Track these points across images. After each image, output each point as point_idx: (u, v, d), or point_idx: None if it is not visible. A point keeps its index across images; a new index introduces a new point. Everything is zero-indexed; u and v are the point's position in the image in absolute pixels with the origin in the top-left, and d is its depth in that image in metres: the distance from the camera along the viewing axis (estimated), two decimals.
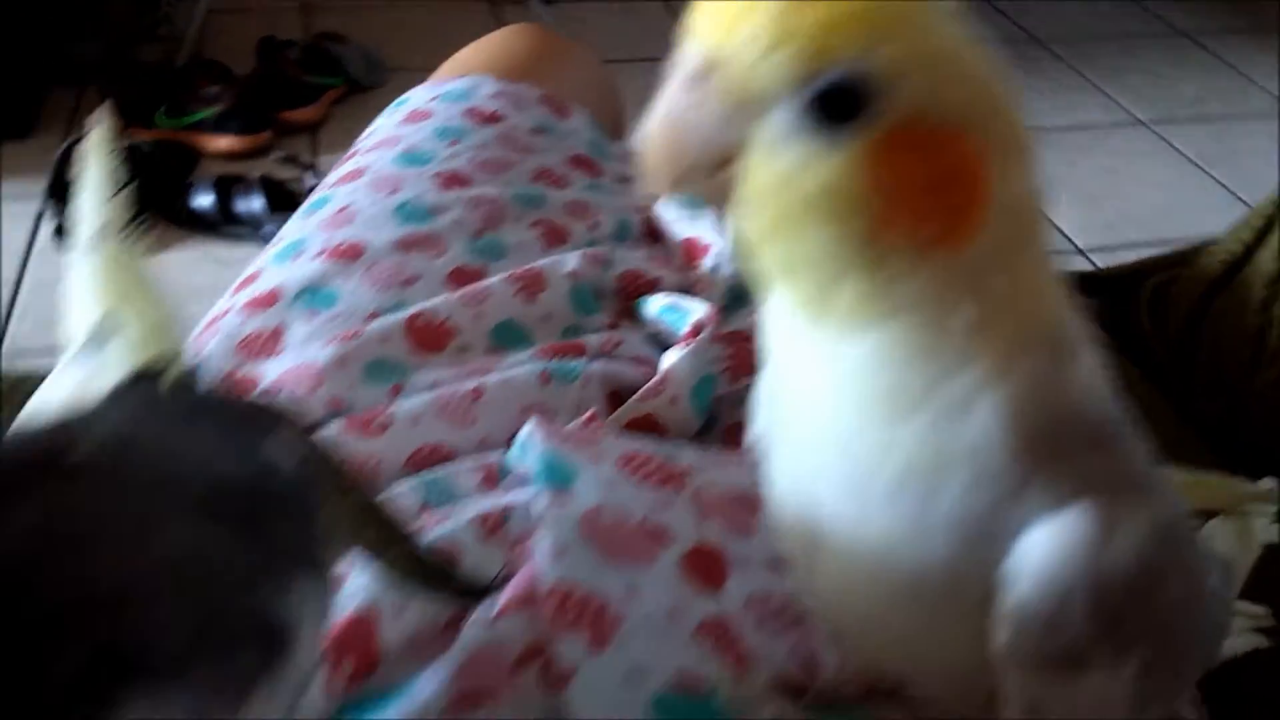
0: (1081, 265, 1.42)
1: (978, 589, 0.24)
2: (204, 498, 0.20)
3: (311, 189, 1.35)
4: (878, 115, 0.21)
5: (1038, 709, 0.25)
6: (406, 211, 0.58)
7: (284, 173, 1.42)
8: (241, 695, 0.19)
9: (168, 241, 1.36)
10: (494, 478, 0.44)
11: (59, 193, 1.37)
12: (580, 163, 0.67)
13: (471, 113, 0.66)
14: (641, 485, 0.41)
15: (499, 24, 1.98)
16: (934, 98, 0.22)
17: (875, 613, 0.26)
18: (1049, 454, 0.24)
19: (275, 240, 0.60)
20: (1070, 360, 0.25)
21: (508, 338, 0.54)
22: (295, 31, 1.80)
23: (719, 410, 0.54)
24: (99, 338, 0.28)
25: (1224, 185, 1.59)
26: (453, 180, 0.61)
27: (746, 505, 0.42)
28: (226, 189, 1.36)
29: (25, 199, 1.46)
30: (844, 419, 0.25)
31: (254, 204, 1.35)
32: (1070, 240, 1.47)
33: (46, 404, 0.27)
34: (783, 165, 0.22)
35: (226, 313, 0.53)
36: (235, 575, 0.20)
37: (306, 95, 1.58)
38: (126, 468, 0.20)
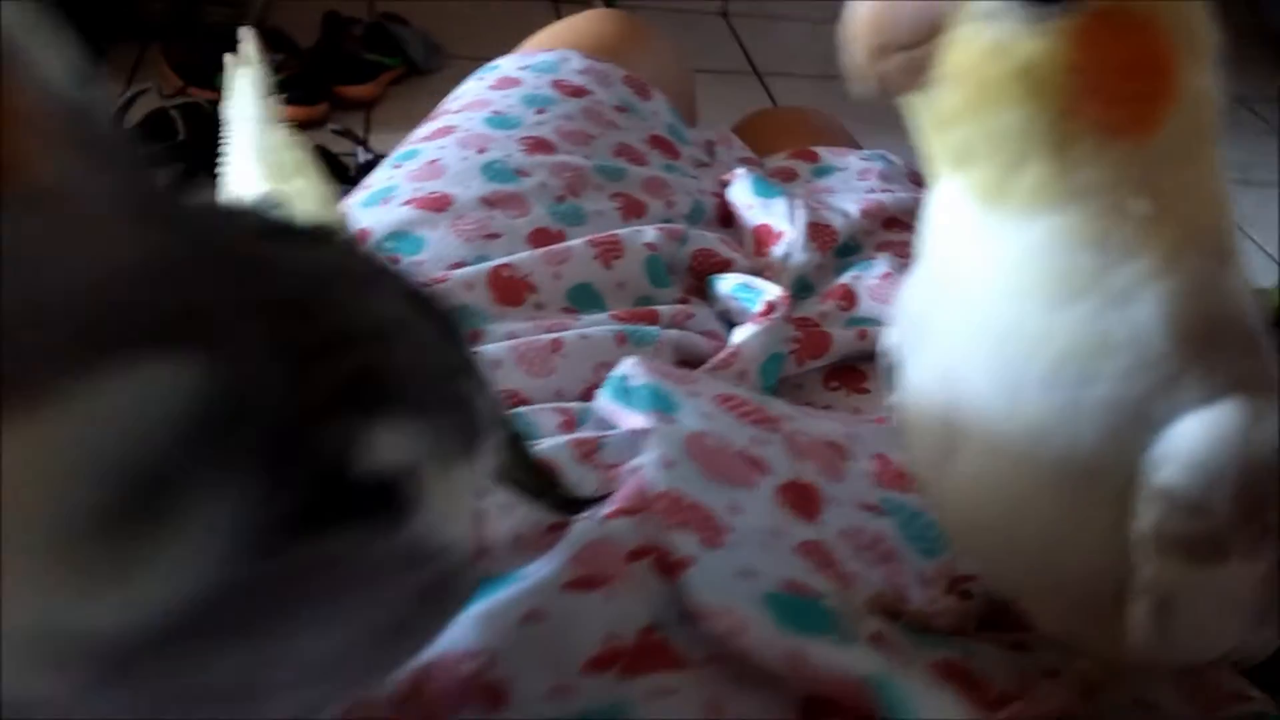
0: None
1: (1122, 475, 0.25)
2: (418, 299, 0.23)
3: (364, 164, 1.37)
4: None
5: (1169, 601, 0.25)
6: (493, 170, 0.59)
7: (337, 146, 1.44)
8: (465, 452, 0.20)
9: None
10: (573, 423, 0.45)
11: None
12: (659, 143, 0.68)
13: (559, 84, 0.68)
14: (739, 421, 0.42)
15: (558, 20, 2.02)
16: None
17: (1014, 506, 0.27)
18: (1204, 349, 0.24)
19: (362, 187, 0.61)
20: (1229, 265, 0.25)
21: (583, 299, 0.55)
22: (360, 9, 1.82)
23: (782, 390, 0.55)
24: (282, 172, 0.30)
25: (1263, 249, 1.60)
26: (538, 145, 0.62)
27: (836, 452, 0.43)
28: None
29: None
30: (1005, 305, 0.25)
31: None
32: None
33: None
34: (990, 40, 0.23)
35: None
36: (450, 360, 0.23)
37: (365, 72, 1.61)
38: (367, 255, 0.23)
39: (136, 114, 1.42)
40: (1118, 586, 0.26)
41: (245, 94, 0.34)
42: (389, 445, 0.20)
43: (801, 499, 0.40)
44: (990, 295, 0.26)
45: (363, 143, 1.45)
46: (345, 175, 1.40)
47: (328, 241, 0.24)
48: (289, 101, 1.51)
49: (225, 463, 0.17)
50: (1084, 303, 0.24)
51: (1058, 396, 0.25)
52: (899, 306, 0.32)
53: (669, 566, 0.34)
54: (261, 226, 0.23)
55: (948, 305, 0.27)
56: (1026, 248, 0.25)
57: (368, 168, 1.39)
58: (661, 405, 0.42)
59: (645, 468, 0.38)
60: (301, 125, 1.53)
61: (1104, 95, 0.23)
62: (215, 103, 1.75)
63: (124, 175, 0.18)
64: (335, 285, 0.21)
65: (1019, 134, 0.24)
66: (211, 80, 1.56)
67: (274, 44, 1.62)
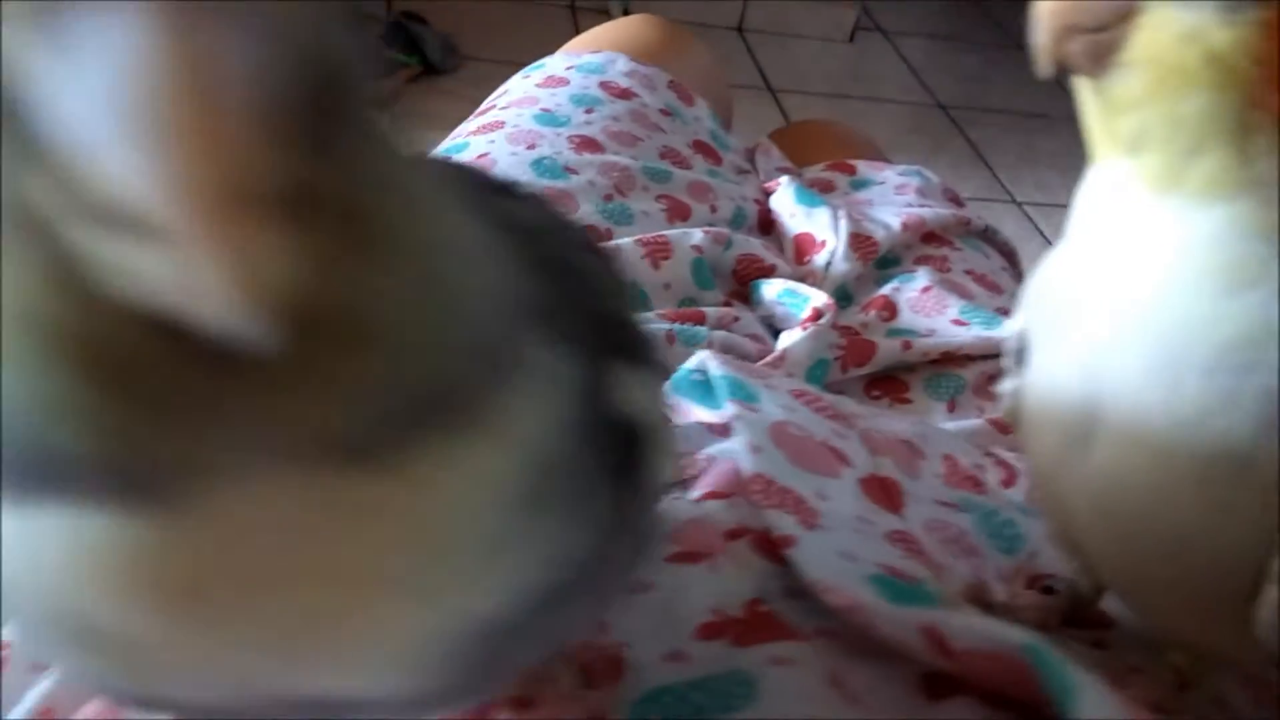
0: None
1: (1272, 465, 0.25)
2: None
3: None
4: None
5: None
6: (543, 167, 0.59)
7: None
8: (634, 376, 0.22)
9: None
10: None
11: None
12: (702, 148, 0.69)
13: (606, 85, 0.68)
14: (817, 415, 0.42)
15: (576, 29, 2.02)
16: None
17: (1154, 496, 0.27)
18: None
19: None
20: None
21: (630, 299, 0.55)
22: (378, 6, 1.83)
23: None
24: None
25: None
26: (587, 144, 0.62)
27: (910, 450, 0.43)
28: None
29: None
30: (1170, 292, 0.25)
31: None
32: None
33: None
34: (1181, 28, 0.24)
35: None
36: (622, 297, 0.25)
37: (383, 69, 1.61)
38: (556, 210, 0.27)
39: None
40: (1248, 577, 0.26)
41: None
42: (644, 393, 0.22)
43: (884, 492, 0.40)
44: (1154, 281, 0.26)
45: None
46: None
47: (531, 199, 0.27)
48: None
49: (593, 441, 0.19)
50: (1254, 292, 0.24)
51: (1218, 384, 0.25)
52: (1031, 290, 0.32)
53: (770, 544, 0.34)
54: (502, 190, 0.25)
55: (1100, 290, 0.27)
56: (1198, 235, 0.25)
57: None
58: (743, 395, 0.42)
59: (734, 453, 0.38)
60: None
61: None
62: None
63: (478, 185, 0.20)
64: (576, 245, 0.24)
65: (1201, 121, 0.24)
66: None
67: None
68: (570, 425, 0.18)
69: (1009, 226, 1.74)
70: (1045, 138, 1.93)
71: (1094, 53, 0.25)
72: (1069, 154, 1.94)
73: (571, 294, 0.21)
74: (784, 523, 0.35)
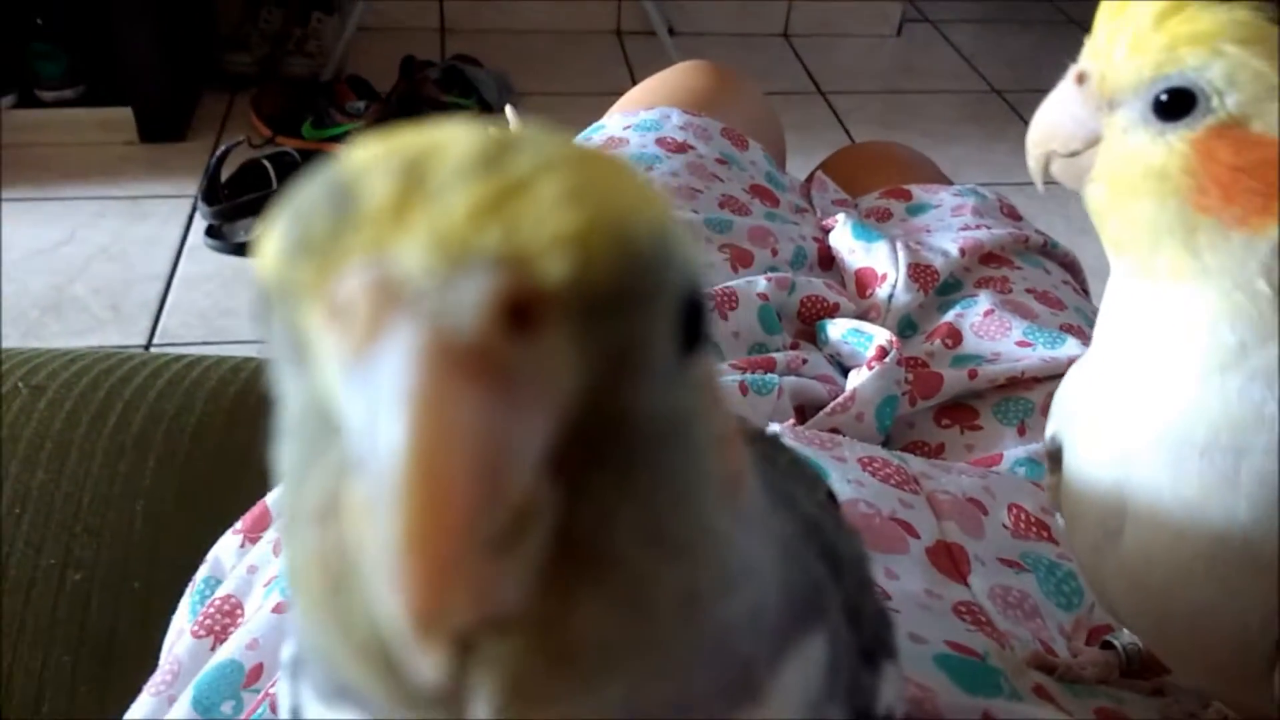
0: None
1: (1273, 551, 0.27)
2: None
3: None
4: (1205, 114, 0.27)
5: None
6: None
7: None
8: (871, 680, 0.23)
9: None
10: None
11: (212, 194, 1.46)
12: (759, 191, 0.72)
13: (662, 141, 0.71)
14: (884, 485, 0.45)
15: (624, 55, 2.06)
16: (1254, 108, 0.26)
17: (1173, 578, 0.29)
18: None
19: None
20: None
21: None
22: (432, 52, 1.89)
23: (895, 430, 0.58)
24: None
25: None
26: None
27: (976, 508, 0.46)
28: None
29: (178, 199, 1.56)
30: (1166, 378, 0.28)
31: None
32: None
33: None
34: (1126, 149, 0.28)
35: None
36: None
37: (442, 114, 1.66)
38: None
39: (231, 166, 1.49)
40: (1266, 648, 0.28)
41: None
42: (890, 687, 0.23)
43: (950, 560, 0.42)
44: (1154, 368, 0.29)
45: None
46: None
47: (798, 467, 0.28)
48: None
49: (834, 707, 0.20)
50: (1232, 376, 0.27)
51: (1215, 468, 0.27)
52: (1061, 394, 0.34)
53: None
54: (774, 460, 0.25)
55: (1119, 381, 0.30)
56: (1178, 323, 0.28)
57: None
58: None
59: None
60: None
61: (1220, 193, 0.27)
62: (303, 151, 1.82)
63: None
64: (836, 529, 0.25)
65: (1151, 223, 0.27)
66: (298, 129, 1.63)
67: (354, 90, 1.68)
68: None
69: (1074, 209, 1.72)
70: None
71: (1072, 173, 0.30)
72: None
73: (846, 589, 0.22)
74: None
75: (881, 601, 0.26)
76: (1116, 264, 0.30)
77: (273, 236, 0.15)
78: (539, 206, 0.14)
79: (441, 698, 0.14)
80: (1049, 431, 0.35)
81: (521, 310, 0.13)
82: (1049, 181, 0.31)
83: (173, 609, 0.46)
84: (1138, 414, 0.29)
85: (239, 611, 0.43)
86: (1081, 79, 0.28)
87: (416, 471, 0.12)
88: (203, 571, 0.46)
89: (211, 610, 0.43)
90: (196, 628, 0.43)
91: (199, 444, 0.58)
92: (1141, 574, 0.30)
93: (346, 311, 0.13)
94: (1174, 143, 0.27)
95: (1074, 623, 0.41)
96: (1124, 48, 0.27)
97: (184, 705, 0.39)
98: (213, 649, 0.42)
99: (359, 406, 0.13)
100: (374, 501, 0.13)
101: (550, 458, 0.14)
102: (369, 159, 0.15)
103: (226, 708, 0.39)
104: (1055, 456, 0.34)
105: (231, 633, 0.42)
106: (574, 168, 0.14)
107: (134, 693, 0.42)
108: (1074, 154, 0.29)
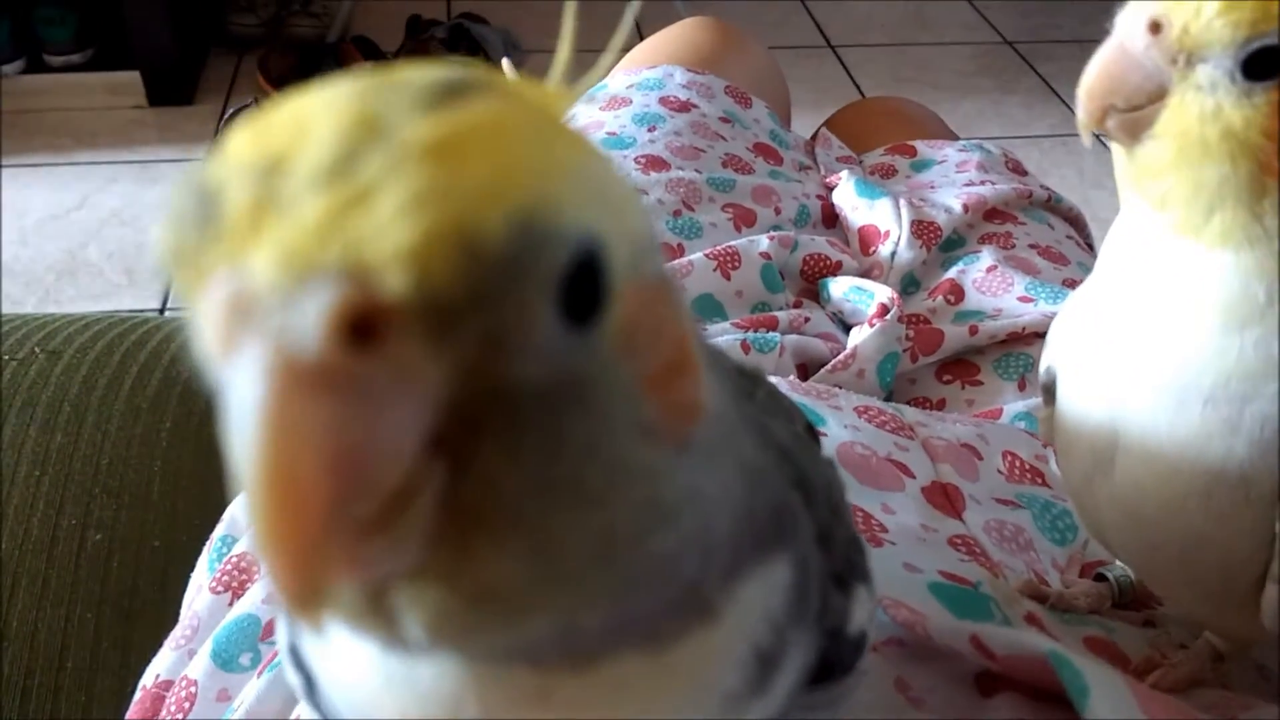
0: None
1: (1270, 481, 0.28)
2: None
3: None
4: None
5: None
6: None
7: None
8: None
9: None
10: None
11: None
12: (762, 150, 0.72)
13: (665, 100, 0.71)
14: (879, 430, 0.46)
15: (632, 11, 2.03)
16: None
17: (1167, 510, 0.30)
18: None
19: None
20: None
21: (706, 309, 0.59)
22: (438, 11, 1.87)
23: (897, 386, 0.59)
24: None
25: None
26: (653, 163, 0.66)
27: (970, 453, 0.46)
28: None
29: (188, 162, 1.56)
30: (1183, 327, 0.29)
31: None
32: None
33: None
34: (1203, 108, 0.27)
35: None
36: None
37: None
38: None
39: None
40: (1254, 575, 0.30)
41: None
42: (862, 609, 0.24)
43: (945, 498, 0.43)
44: (1168, 317, 0.29)
45: None
46: None
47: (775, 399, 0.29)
48: None
49: (802, 629, 0.21)
50: (1253, 330, 0.28)
51: (1218, 412, 0.28)
52: (1057, 328, 0.35)
53: None
54: (750, 394, 0.26)
55: (1122, 324, 0.30)
56: (1209, 278, 0.28)
57: None
58: (811, 420, 0.45)
59: None
60: None
61: None
62: None
63: (732, 385, 0.21)
64: (811, 458, 0.25)
65: (1219, 185, 0.27)
66: None
67: (361, 51, 1.68)
68: (798, 642, 0.20)
69: (1088, 161, 1.71)
70: None
71: (1129, 128, 0.29)
72: None
73: (818, 516, 0.22)
74: None
75: (854, 528, 0.26)
76: (1148, 218, 0.29)
77: (157, 240, 0.15)
78: (381, 217, 0.14)
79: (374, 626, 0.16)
80: (1044, 364, 0.36)
81: (363, 324, 0.13)
82: (1097, 134, 0.29)
83: (192, 566, 0.48)
84: (1141, 357, 0.30)
85: (255, 567, 0.44)
86: (1157, 28, 0.27)
87: (268, 477, 0.13)
88: (220, 529, 0.48)
89: (229, 567, 0.45)
90: (214, 583, 0.44)
91: (214, 406, 0.59)
92: (1133, 504, 0.31)
93: (211, 320, 0.14)
94: (1259, 104, 0.27)
95: (1068, 558, 0.42)
96: (1216, 3, 0.27)
97: (204, 658, 0.41)
98: (230, 604, 0.43)
99: (232, 401, 0.14)
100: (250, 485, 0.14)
101: (430, 438, 0.14)
102: (234, 161, 0.15)
103: (244, 659, 0.40)
104: (1050, 389, 0.35)
105: (248, 588, 0.43)
106: (433, 159, 0.14)
107: (155, 647, 0.43)
108: (1136, 109, 0.28)
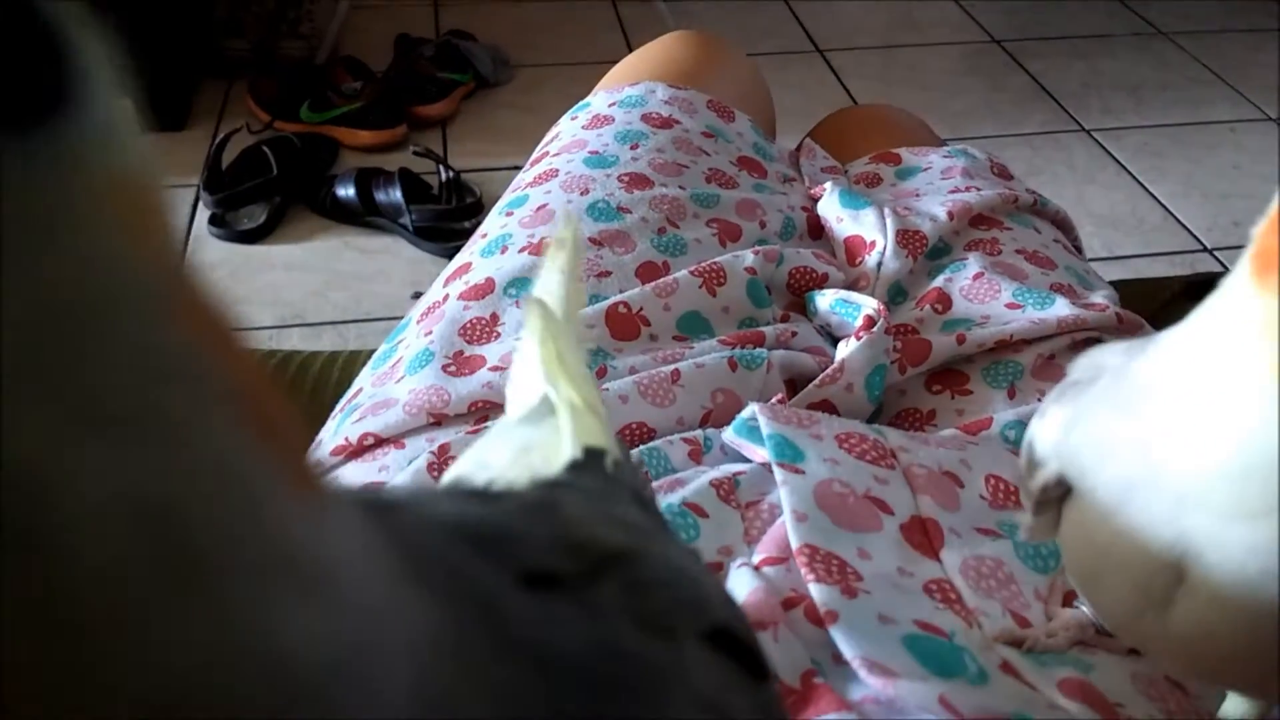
0: (1209, 264, 1.41)
1: None
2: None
3: (446, 182, 1.42)
4: None
5: None
6: (598, 210, 0.63)
7: (418, 166, 1.49)
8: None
9: (313, 231, 1.44)
10: (699, 452, 0.49)
11: (214, 182, 1.46)
12: (746, 163, 0.72)
13: (648, 117, 0.71)
14: (860, 461, 0.45)
15: (620, 22, 2.04)
16: None
17: (1236, 639, 0.27)
18: None
19: (478, 235, 0.66)
20: None
21: (692, 326, 0.59)
22: (426, 29, 1.88)
23: (885, 397, 0.59)
24: (539, 413, 0.26)
25: None
26: (636, 181, 0.66)
27: (952, 481, 0.46)
28: (366, 181, 1.44)
29: (181, 189, 1.56)
30: (1255, 439, 0.25)
31: (393, 195, 1.42)
32: (1197, 238, 1.46)
33: (487, 462, 0.24)
34: None
35: (445, 300, 0.59)
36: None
37: (438, 91, 1.65)
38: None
39: (231, 153, 1.50)
40: None
41: (552, 280, 0.31)
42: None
43: (924, 536, 0.43)
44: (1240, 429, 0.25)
45: (444, 162, 1.50)
46: (430, 196, 1.46)
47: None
48: (369, 126, 1.58)
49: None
50: None
51: None
52: (1063, 432, 0.31)
53: (820, 618, 0.38)
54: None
55: (1199, 450, 0.26)
56: None
57: (450, 187, 1.44)
58: (789, 455, 0.45)
59: (782, 523, 0.42)
60: (383, 148, 1.60)
61: None
62: (302, 136, 1.81)
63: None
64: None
65: None
66: (296, 113, 1.63)
67: (349, 71, 1.68)
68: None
69: (1080, 155, 1.70)
70: (1107, 60, 1.88)
71: None
72: (1134, 72, 1.88)
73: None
74: (828, 597, 0.38)
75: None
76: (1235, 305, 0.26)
77: None
78: None
79: None
80: (1045, 469, 0.32)
81: None
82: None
83: None
84: (1210, 477, 0.26)
85: None
86: None
87: None
88: None
89: None
90: None
91: None
92: (1200, 641, 0.28)
93: None
94: None
95: (1049, 585, 0.42)
96: None
97: None
98: None
99: None
100: None
101: None
102: None
103: None
104: (1050, 500, 0.32)
105: None
106: None
107: None
108: None
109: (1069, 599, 0.41)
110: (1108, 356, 0.33)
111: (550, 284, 0.30)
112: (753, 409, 0.49)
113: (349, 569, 0.11)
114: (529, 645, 0.15)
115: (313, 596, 0.10)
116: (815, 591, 0.38)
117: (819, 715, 0.33)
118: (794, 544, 0.40)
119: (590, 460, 0.23)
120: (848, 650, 0.36)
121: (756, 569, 0.40)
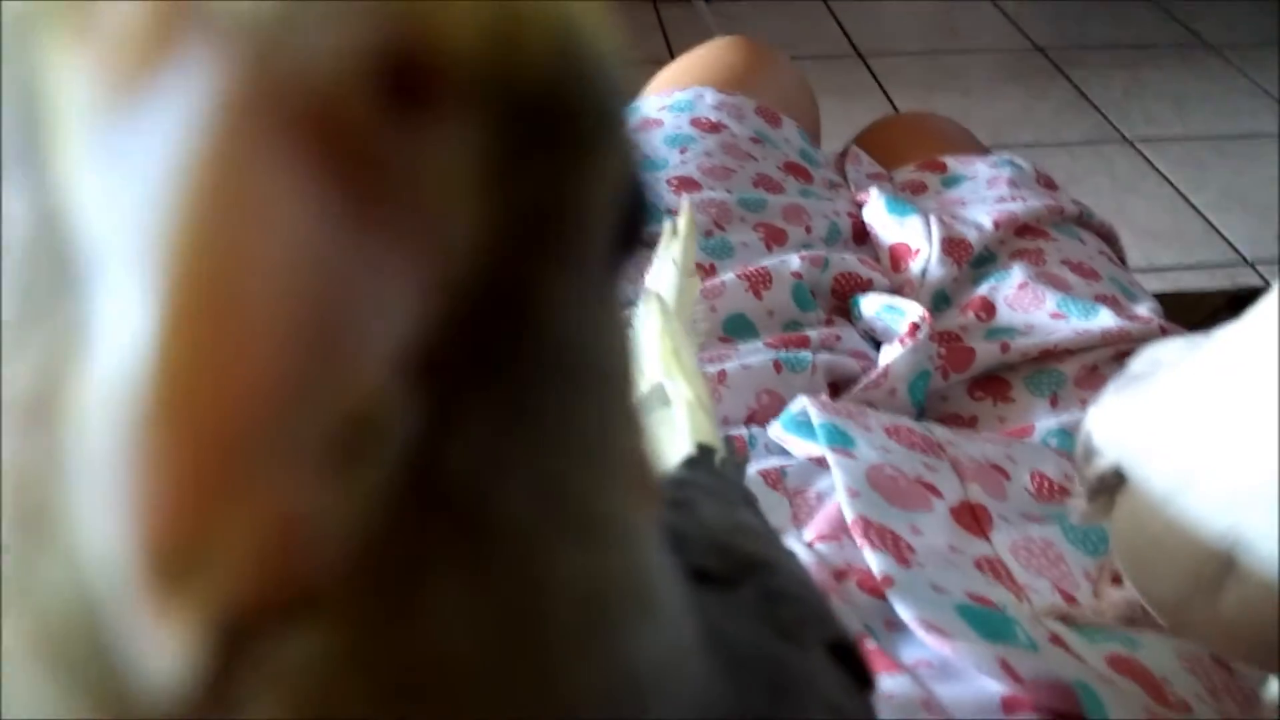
0: (1249, 276, 1.40)
1: None
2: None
3: None
4: None
5: None
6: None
7: None
8: None
9: None
10: (744, 448, 0.51)
11: None
12: (793, 169, 0.73)
13: (696, 122, 0.72)
14: (910, 450, 0.47)
15: (660, 23, 2.05)
16: None
17: None
18: None
19: None
20: None
21: (738, 329, 0.60)
22: None
23: (928, 403, 0.59)
24: (648, 404, 0.25)
25: None
26: (685, 184, 0.67)
27: (998, 473, 0.47)
28: None
29: None
30: None
31: None
32: (1239, 252, 1.45)
33: None
34: None
35: None
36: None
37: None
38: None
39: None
40: None
41: (667, 270, 0.30)
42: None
43: (973, 518, 0.44)
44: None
45: None
46: None
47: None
48: None
49: None
50: None
51: None
52: (1119, 421, 0.32)
53: (873, 583, 0.39)
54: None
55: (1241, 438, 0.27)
56: None
57: None
58: (840, 441, 0.46)
59: (835, 499, 0.43)
60: None
61: None
62: None
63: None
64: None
65: None
66: None
67: None
68: None
69: (1122, 166, 1.70)
70: (1151, 69, 1.87)
71: None
72: (1177, 82, 1.87)
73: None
74: (883, 563, 0.39)
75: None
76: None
77: None
78: None
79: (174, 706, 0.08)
80: (1101, 458, 0.33)
81: (405, 77, 0.08)
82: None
83: None
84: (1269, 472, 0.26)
85: None
86: None
87: (192, 289, 0.07)
88: None
89: None
90: None
91: None
92: (1247, 626, 0.28)
93: (114, 32, 0.08)
94: None
95: (1098, 567, 0.43)
96: None
97: None
98: None
99: (108, 188, 0.08)
100: (114, 361, 0.07)
101: (416, 351, 0.09)
102: None
103: None
104: (1105, 488, 0.32)
105: None
106: None
107: None
108: None
109: (1117, 580, 0.42)
110: (1166, 352, 0.34)
111: (665, 276, 0.30)
112: (803, 401, 0.50)
113: (669, 585, 0.12)
114: (721, 640, 0.14)
115: (657, 616, 0.11)
116: (872, 559, 0.39)
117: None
118: (849, 517, 0.42)
119: (704, 457, 0.23)
120: (905, 613, 0.37)
121: (809, 546, 0.41)
